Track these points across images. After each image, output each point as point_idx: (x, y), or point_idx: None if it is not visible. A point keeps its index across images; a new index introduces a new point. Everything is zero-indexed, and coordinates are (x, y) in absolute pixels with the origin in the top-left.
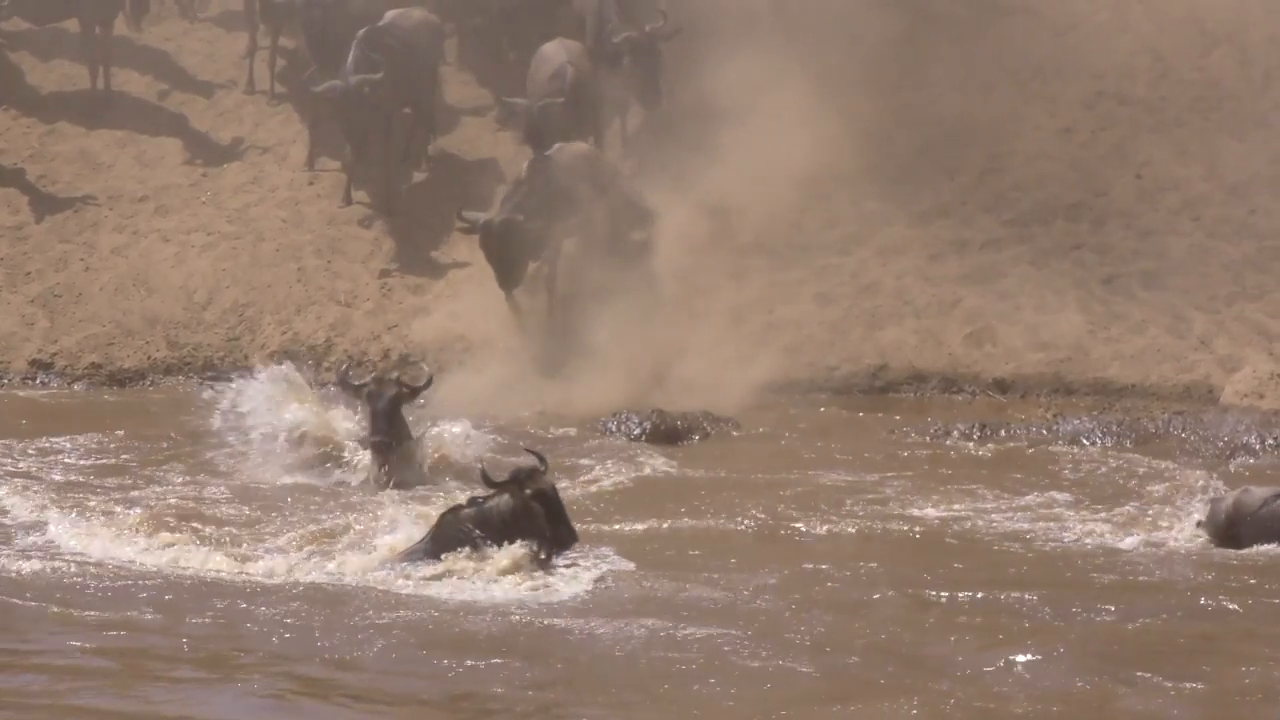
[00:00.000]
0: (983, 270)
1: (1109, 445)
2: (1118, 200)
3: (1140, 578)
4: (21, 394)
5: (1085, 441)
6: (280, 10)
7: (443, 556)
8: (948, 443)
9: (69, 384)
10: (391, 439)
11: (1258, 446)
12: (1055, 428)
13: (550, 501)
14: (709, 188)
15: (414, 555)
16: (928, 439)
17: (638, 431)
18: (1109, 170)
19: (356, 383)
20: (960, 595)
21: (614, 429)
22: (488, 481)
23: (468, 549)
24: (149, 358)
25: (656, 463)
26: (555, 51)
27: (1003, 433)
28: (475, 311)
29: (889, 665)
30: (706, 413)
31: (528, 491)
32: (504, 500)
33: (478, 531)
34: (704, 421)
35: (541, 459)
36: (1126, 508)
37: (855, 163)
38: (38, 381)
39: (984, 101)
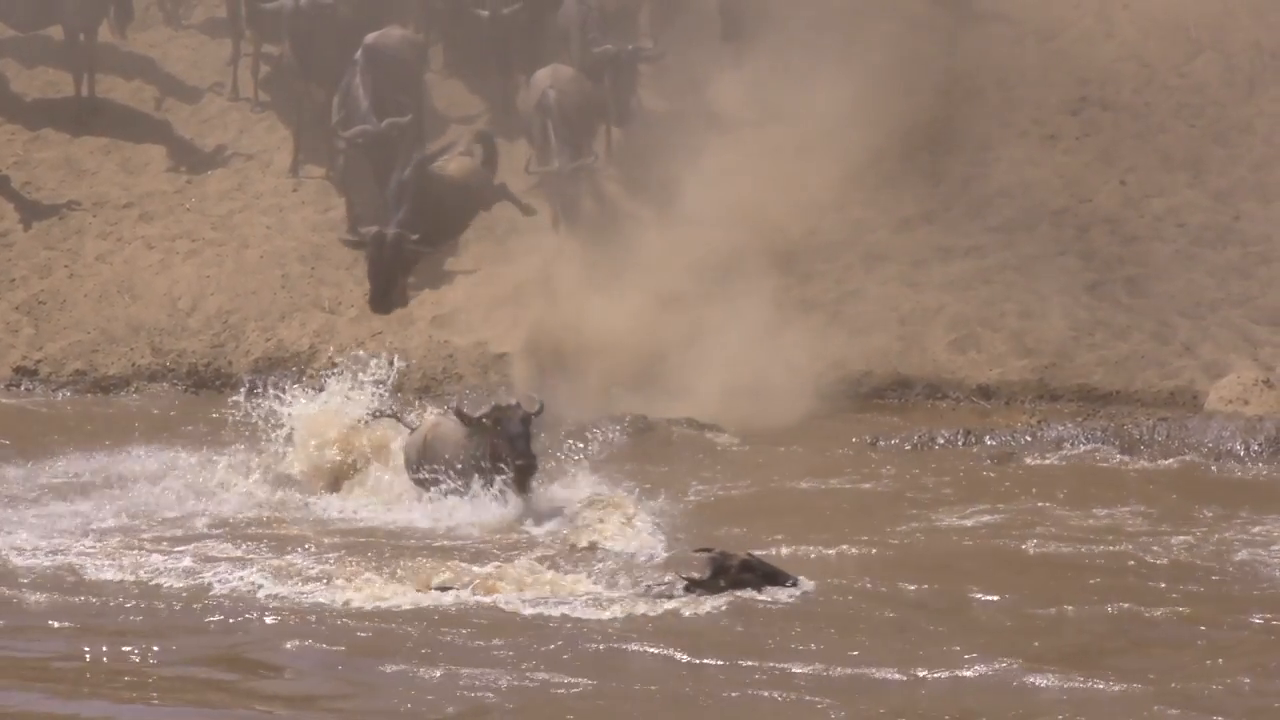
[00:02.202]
0: (967, 276)
1: (1094, 451)
2: (1102, 206)
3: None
4: (5, 401)
5: (1069, 447)
6: (267, 18)
7: None
8: (934, 450)
9: (53, 391)
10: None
11: (1242, 452)
12: (1039, 434)
13: (756, 567)
14: (693, 196)
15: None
16: (909, 446)
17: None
18: (1093, 176)
19: (477, 414)
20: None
21: (596, 434)
22: (694, 583)
23: None
24: (133, 365)
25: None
26: (542, 78)
27: (987, 439)
28: (460, 319)
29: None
30: (690, 419)
31: (734, 570)
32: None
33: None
34: (687, 428)
35: (711, 550)
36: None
37: (839, 169)
38: (22, 388)
39: (968, 107)
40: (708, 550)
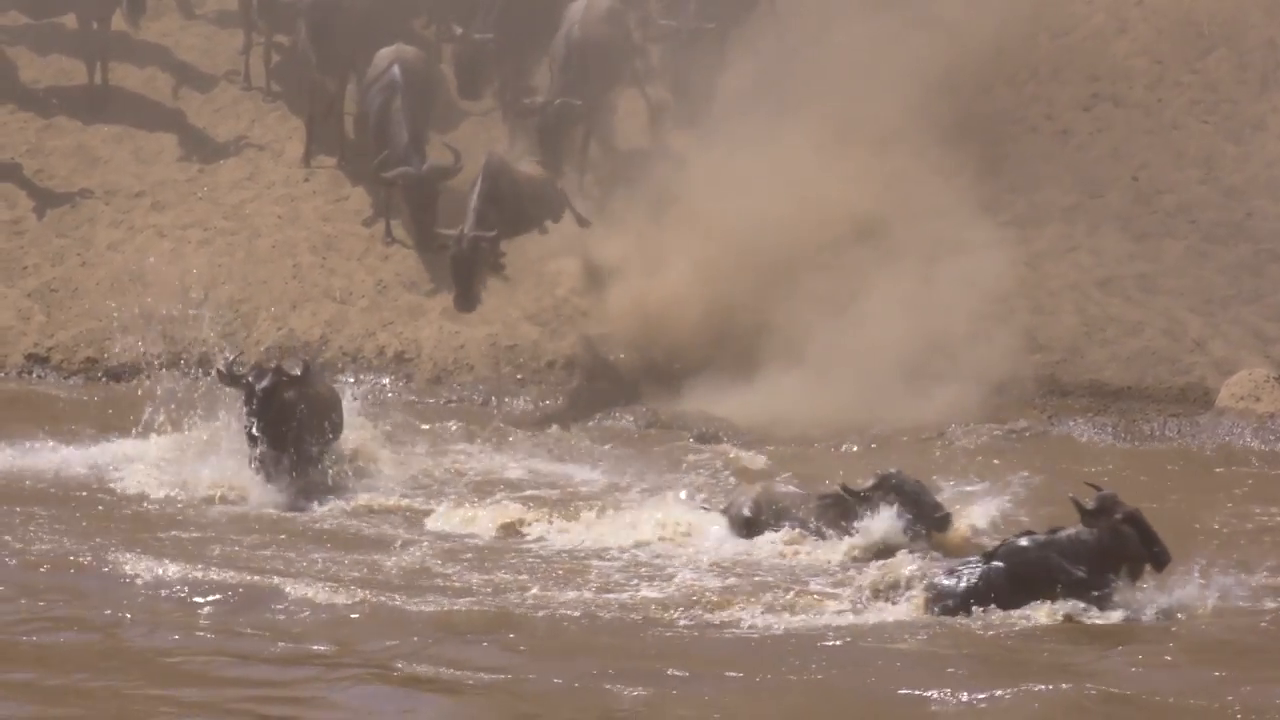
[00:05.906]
0: (979, 272)
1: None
2: (1114, 203)
3: None
4: (17, 388)
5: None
6: (280, 9)
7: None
8: (955, 445)
9: (64, 378)
10: None
11: (1254, 449)
12: (1050, 430)
13: (1140, 523)
14: (698, 194)
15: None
16: (920, 440)
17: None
18: (1105, 173)
19: (863, 489)
20: None
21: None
22: (1083, 511)
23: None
24: (144, 353)
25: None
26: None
27: (998, 434)
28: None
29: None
30: (701, 412)
31: (1118, 516)
32: (1088, 531)
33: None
34: (698, 421)
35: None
36: None
37: (849, 164)
38: (34, 376)
39: (980, 103)
40: (1097, 488)
